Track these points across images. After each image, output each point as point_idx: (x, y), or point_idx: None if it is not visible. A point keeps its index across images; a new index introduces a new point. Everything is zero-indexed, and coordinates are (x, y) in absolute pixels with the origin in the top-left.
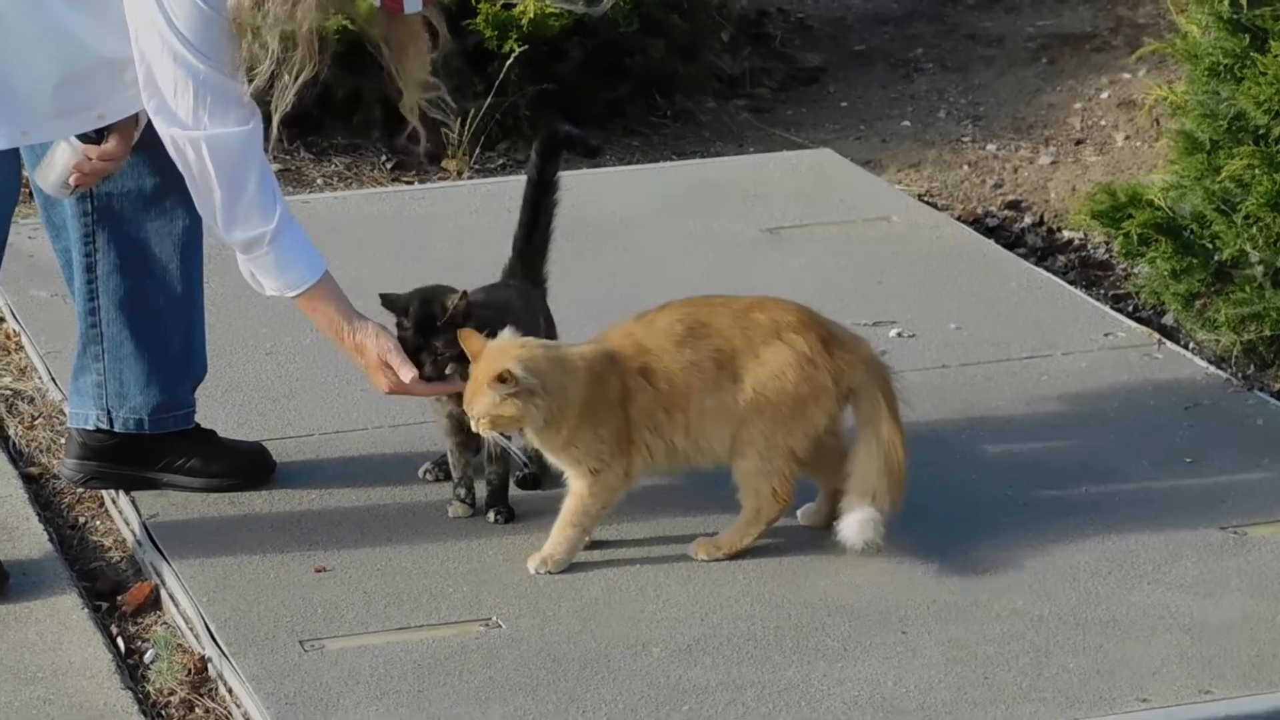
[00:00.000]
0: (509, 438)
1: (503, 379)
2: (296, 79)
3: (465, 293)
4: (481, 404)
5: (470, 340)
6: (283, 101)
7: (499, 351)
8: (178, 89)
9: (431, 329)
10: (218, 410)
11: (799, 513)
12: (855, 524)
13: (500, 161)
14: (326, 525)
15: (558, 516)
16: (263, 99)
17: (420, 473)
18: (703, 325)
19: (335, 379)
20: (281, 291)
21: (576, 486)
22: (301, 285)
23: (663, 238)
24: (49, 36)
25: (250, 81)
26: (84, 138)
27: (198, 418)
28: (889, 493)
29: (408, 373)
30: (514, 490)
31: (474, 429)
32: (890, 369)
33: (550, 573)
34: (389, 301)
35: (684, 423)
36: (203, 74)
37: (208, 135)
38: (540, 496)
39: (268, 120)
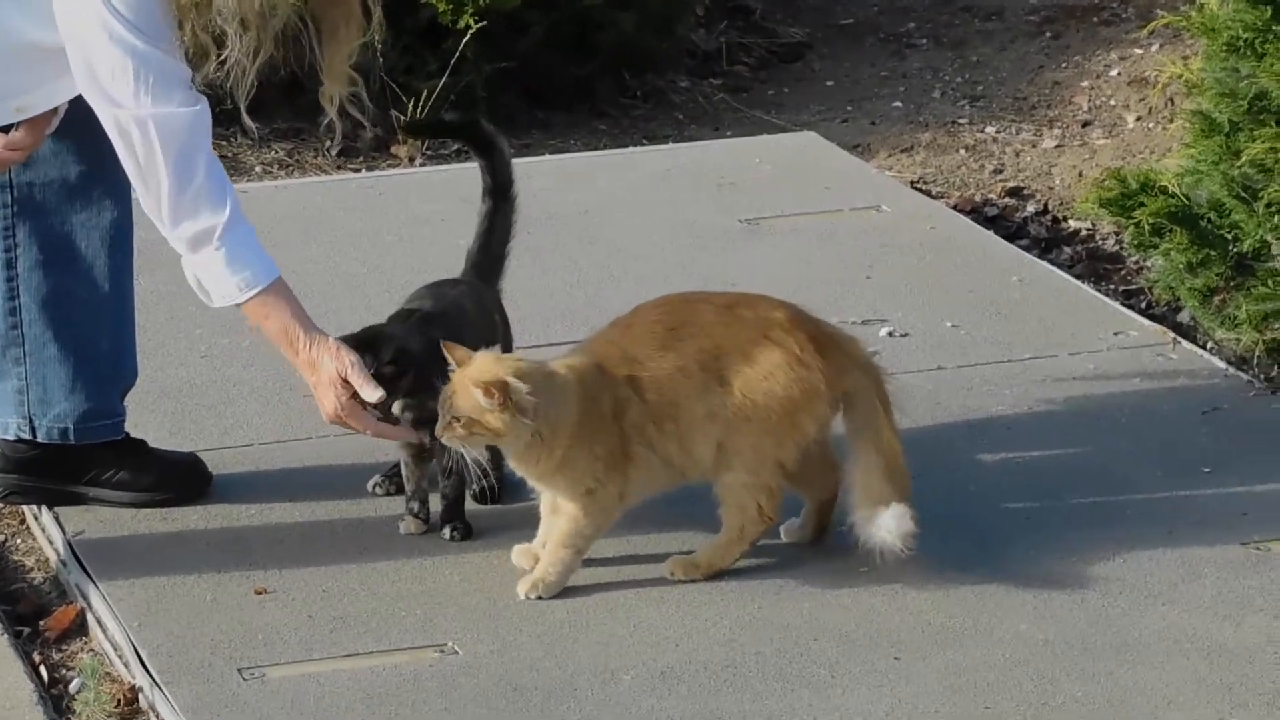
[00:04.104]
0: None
1: (491, 391)
2: (254, 60)
3: (396, 356)
4: (464, 404)
5: (454, 350)
6: (243, 86)
7: (494, 362)
8: (116, 70)
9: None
10: (149, 418)
11: (782, 529)
12: (890, 519)
13: (455, 146)
14: (267, 543)
15: (549, 541)
16: (213, 88)
17: (370, 486)
18: (685, 324)
19: (276, 384)
20: (231, 296)
21: (569, 508)
22: (255, 287)
23: (632, 230)
24: None
25: (201, 68)
26: None
27: (127, 426)
28: (899, 500)
29: (373, 391)
30: (471, 505)
31: (441, 437)
32: (884, 370)
33: (542, 597)
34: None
35: (676, 434)
36: (143, 52)
37: (155, 114)
38: (499, 511)
39: (223, 111)
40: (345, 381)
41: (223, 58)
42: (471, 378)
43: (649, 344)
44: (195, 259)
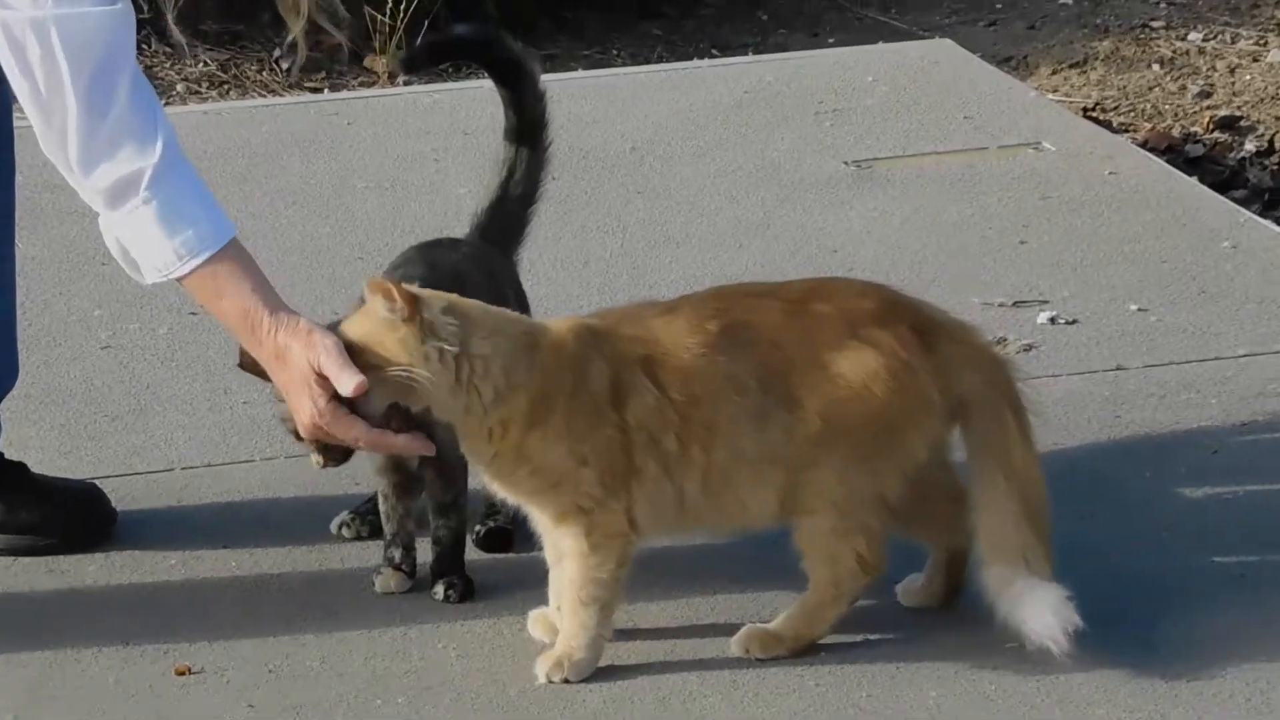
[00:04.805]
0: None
1: (392, 293)
2: None
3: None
4: (354, 324)
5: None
6: None
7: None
8: None
9: None
10: (31, 432)
11: (899, 588)
12: (1044, 609)
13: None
14: (194, 604)
15: (563, 603)
16: None
17: (335, 526)
18: (743, 326)
19: (206, 385)
20: (168, 268)
21: (566, 541)
22: (200, 253)
23: (696, 176)
24: None
25: None
26: None
27: (2, 445)
28: (1040, 549)
29: (350, 378)
30: (472, 553)
31: (346, 390)
32: (1014, 366)
33: (569, 680)
34: None
35: (702, 465)
36: None
37: (59, 15)
38: (511, 562)
39: (149, 21)
40: (322, 377)
41: None
42: (368, 287)
43: (692, 339)
44: (117, 217)
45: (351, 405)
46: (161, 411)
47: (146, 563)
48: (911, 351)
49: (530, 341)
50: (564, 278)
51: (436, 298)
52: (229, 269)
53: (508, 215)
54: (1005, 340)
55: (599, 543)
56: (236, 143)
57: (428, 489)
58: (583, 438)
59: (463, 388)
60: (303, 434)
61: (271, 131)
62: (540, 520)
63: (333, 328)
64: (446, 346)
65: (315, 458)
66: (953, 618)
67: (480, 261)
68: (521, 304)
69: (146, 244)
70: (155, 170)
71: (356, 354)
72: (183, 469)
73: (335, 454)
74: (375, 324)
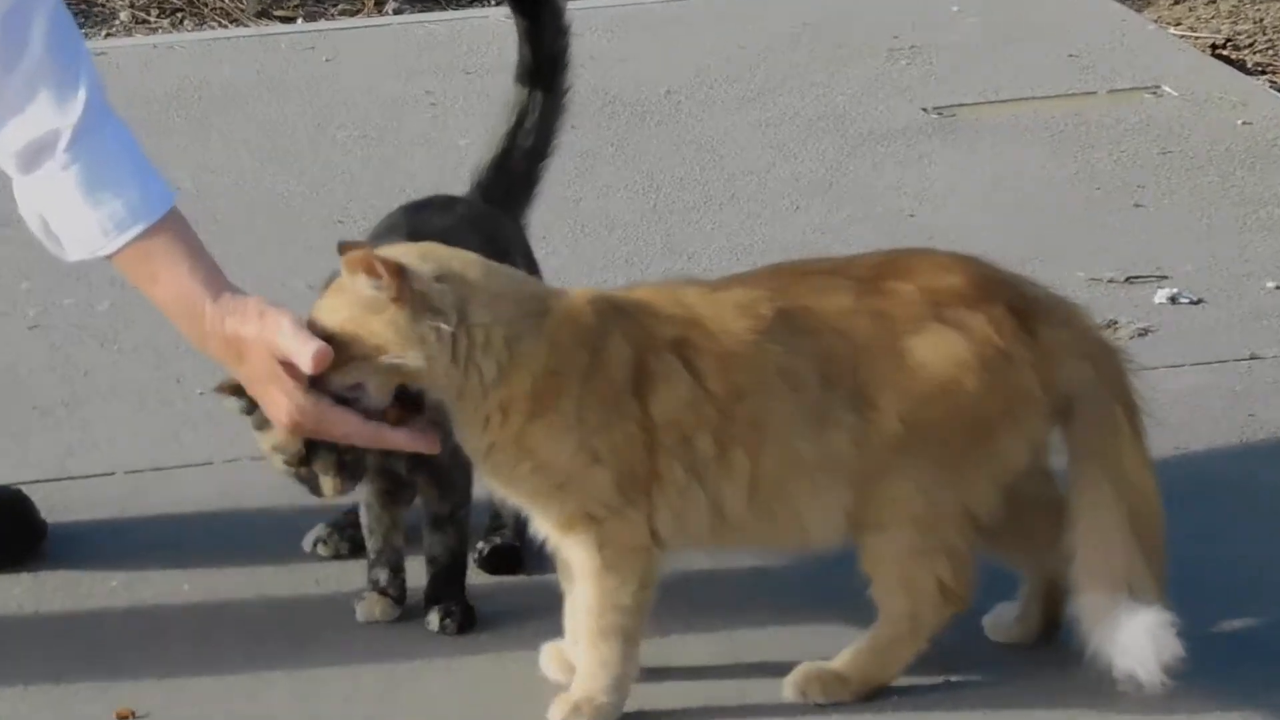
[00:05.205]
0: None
1: (374, 267)
2: None
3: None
4: (329, 309)
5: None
6: None
7: (387, 248)
8: None
9: None
10: None
11: (986, 622)
12: (1140, 638)
13: None
14: (138, 635)
15: (579, 635)
16: None
17: (309, 542)
18: (803, 311)
19: (155, 372)
20: (93, 244)
21: (578, 557)
22: (131, 226)
23: (744, 124)
24: None
25: None
26: None
27: None
28: (1150, 574)
29: (306, 349)
30: (474, 575)
31: (303, 362)
32: (1126, 355)
33: None
34: None
35: (747, 471)
36: None
37: None
38: (520, 586)
39: None
40: (290, 364)
41: None
42: (344, 264)
43: (740, 321)
44: (32, 184)
45: (339, 397)
46: (101, 403)
47: (83, 585)
48: (1007, 337)
49: (539, 307)
50: (584, 247)
51: (424, 261)
52: (165, 246)
53: (516, 171)
54: (1116, 323)
55: (614, 559)
56: (192, 83)
57: (421, 497)
58: (596, 430)
59: (459, 366)
60: (285, 430)
61: (234, 70)
62: (544, 530)
63: None
64: (444, 326)
65: (329, 484)
66: (1051, 656)
67: (480, 226)
68: (531, 267)
69: (68, 216)
70: (76, 128)
71: (337, 347)
72: (126, 473)
73: (352, 471)
74: (355, 305)
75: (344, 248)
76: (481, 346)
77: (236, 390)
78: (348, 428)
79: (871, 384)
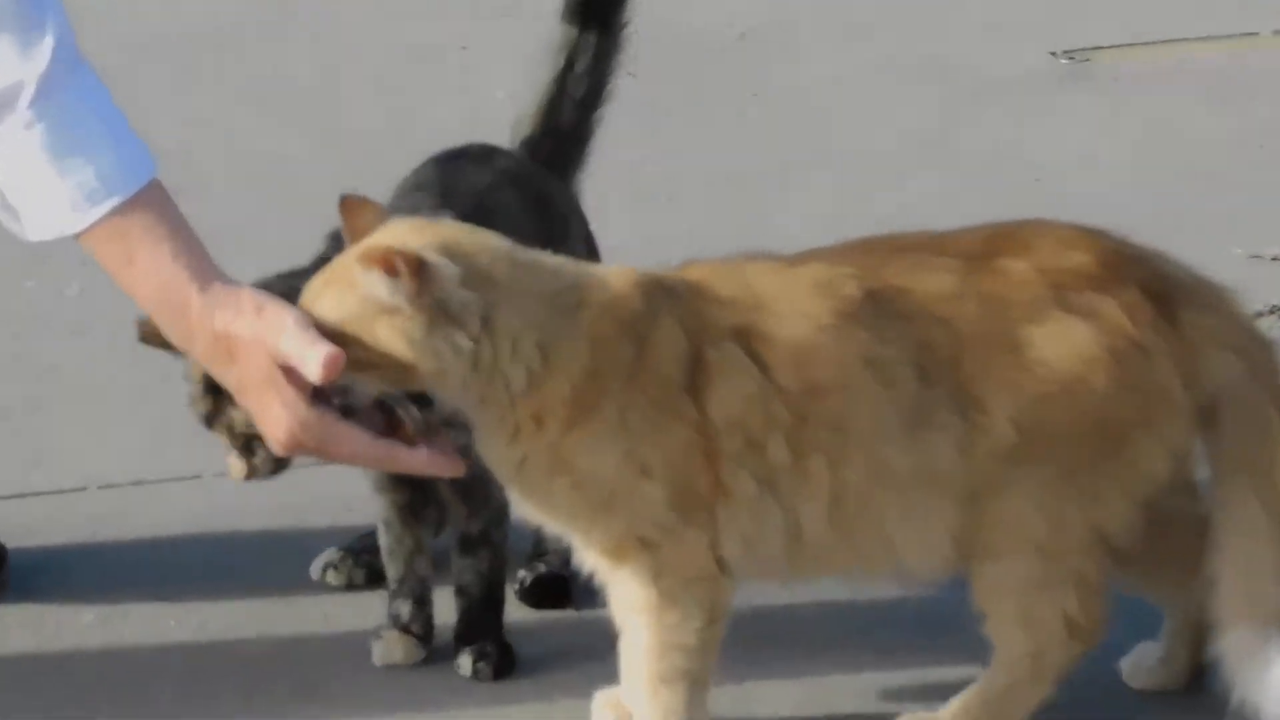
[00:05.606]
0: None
1: (393, 265)
2: None
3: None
4: (333, 307)
5: (356, 212)
6: None
7: (406, 230)
8: None
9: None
10: None
11: (1123, 664)
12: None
13: None
14: (116, 679)
15: (636, 680)
16: None
17: (318, 569)
18: (897, 292)
19: (131, 371)
20: (61, 222)
21: (631, 595)
22: (104, 200)
23: (832, 73)
24: None
25: None
26: None
27: None
28: None
29: (319, 353)
30: (514, 610)
31: (310, 369)
32: None
33: None
34: None
35: (828, 484)
36: None
37: None
38: (568, 623)
39: None
40: (292, 370)
41: None
42: (359, 254)
43: (817, 303)
44: None
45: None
46: (70, 405)
47: (50, 620)
48: (1142, 326)
49: (575, 299)
50: (644, 218)
51: (448, 258)
52: (144, 224)
53: (564, 126)
54: (1277, 310)
55: (674, 591)
56: (177, 26)
57: (449, 514)
58: (644, 437)
59: (483, 376)
60: (279, 452)
61: (227, 9)
62: (589, 559)
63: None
64: (463, 341)
65: (235, 465)
66: (1198, 704)
67: (527, 185)
68: (589, 247)
69: (30, 186)
70: (42, 81)
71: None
72: (101, 488)
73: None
74: (360, 303)
75: (345, 202)
76: (509, 354)
77: (160, 340)
78: (355, 447)
79: (979, 381)
